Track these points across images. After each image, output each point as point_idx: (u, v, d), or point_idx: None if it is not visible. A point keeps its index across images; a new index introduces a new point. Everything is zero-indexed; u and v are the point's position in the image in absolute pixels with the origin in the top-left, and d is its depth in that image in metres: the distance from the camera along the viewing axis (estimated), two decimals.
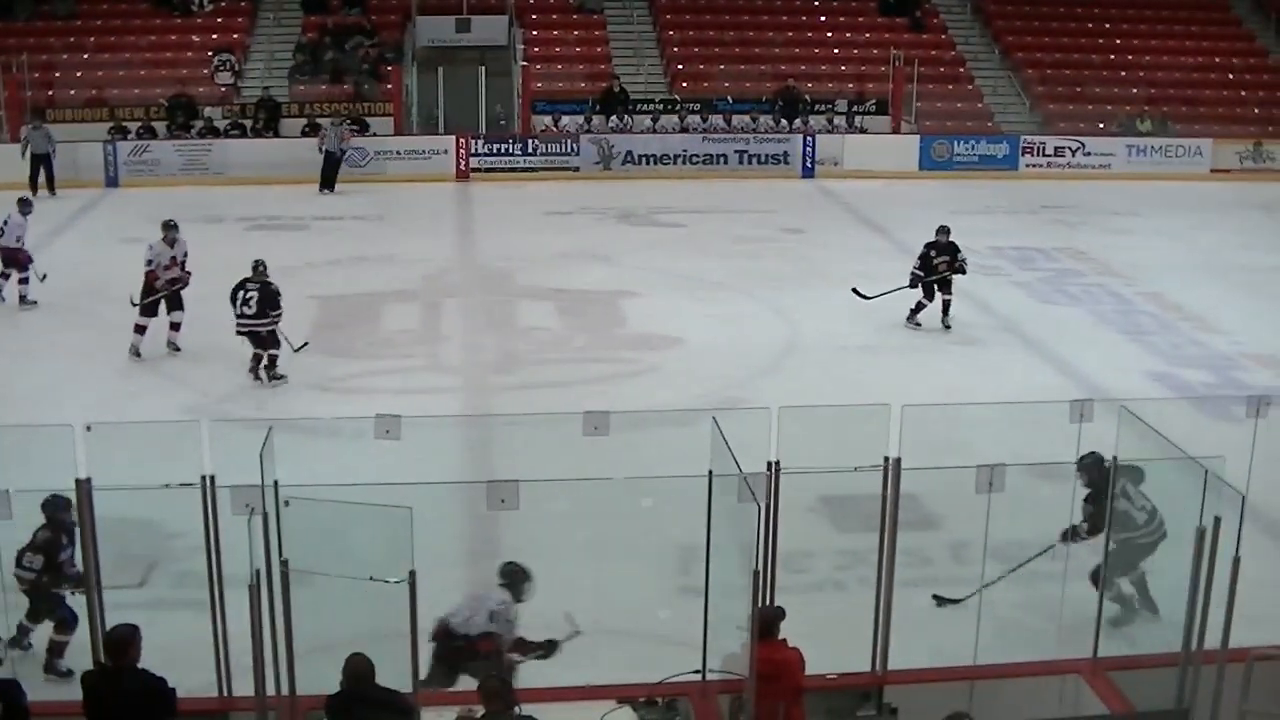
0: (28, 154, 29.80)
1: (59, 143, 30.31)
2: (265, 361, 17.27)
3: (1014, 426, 13.25)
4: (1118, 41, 38.44)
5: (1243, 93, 37.34)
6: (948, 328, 20.36)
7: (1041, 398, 14.53)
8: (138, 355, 18.13)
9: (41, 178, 29.62)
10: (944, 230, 20.67)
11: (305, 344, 18.11)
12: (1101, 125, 35.66)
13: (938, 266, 20.41)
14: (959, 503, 13.01)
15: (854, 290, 21.04)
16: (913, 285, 20.50)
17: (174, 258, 18.54)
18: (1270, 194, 32.48)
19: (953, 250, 20.46)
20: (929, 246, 20.52)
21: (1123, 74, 37.28)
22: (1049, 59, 37.61)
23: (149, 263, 18.37)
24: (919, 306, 20.45)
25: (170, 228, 18.68)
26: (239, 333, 17.26)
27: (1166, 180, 33.45)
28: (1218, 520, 8.54)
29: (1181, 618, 8.95)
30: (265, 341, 17.25)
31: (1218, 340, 19.95)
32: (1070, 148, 34.43)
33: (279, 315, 17.26)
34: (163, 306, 18.38)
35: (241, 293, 17.12)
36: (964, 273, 20.61)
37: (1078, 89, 36.69)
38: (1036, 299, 22.34)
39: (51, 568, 10.42)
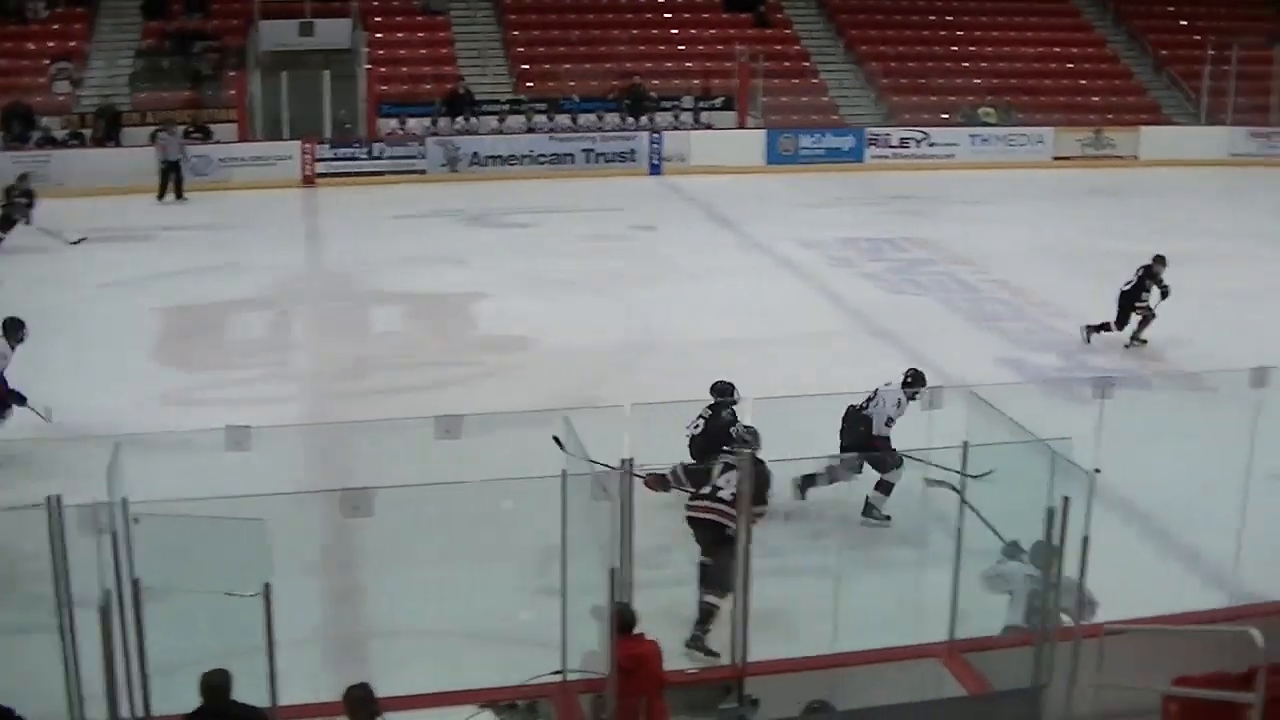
0: None
1: None
2: None
3: None
4: (960, 33, 39.05)
5: (1082, 81, 38.12)
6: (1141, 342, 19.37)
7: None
8: None
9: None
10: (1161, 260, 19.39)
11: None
12: (946, 116, 36.17)
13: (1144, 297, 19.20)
14: (812, 492, 13.16)
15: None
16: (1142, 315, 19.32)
17: None
18: (1111, 179, 33.23)
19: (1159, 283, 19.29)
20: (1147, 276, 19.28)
21: (965, 65, 37.86)
22: (893, 52, 38.06)
23: None
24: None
25: None
26: None
27: (1010, 168, 34.04)
28: (1067, 500, 8.71)
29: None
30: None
31: (1064, 323, 20.29)
32: (915, 139, 34.90)
33: None
34: None
35: None
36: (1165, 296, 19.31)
37: (922, 81, 37.15)
38: (886, 289, 22.59)
39: None
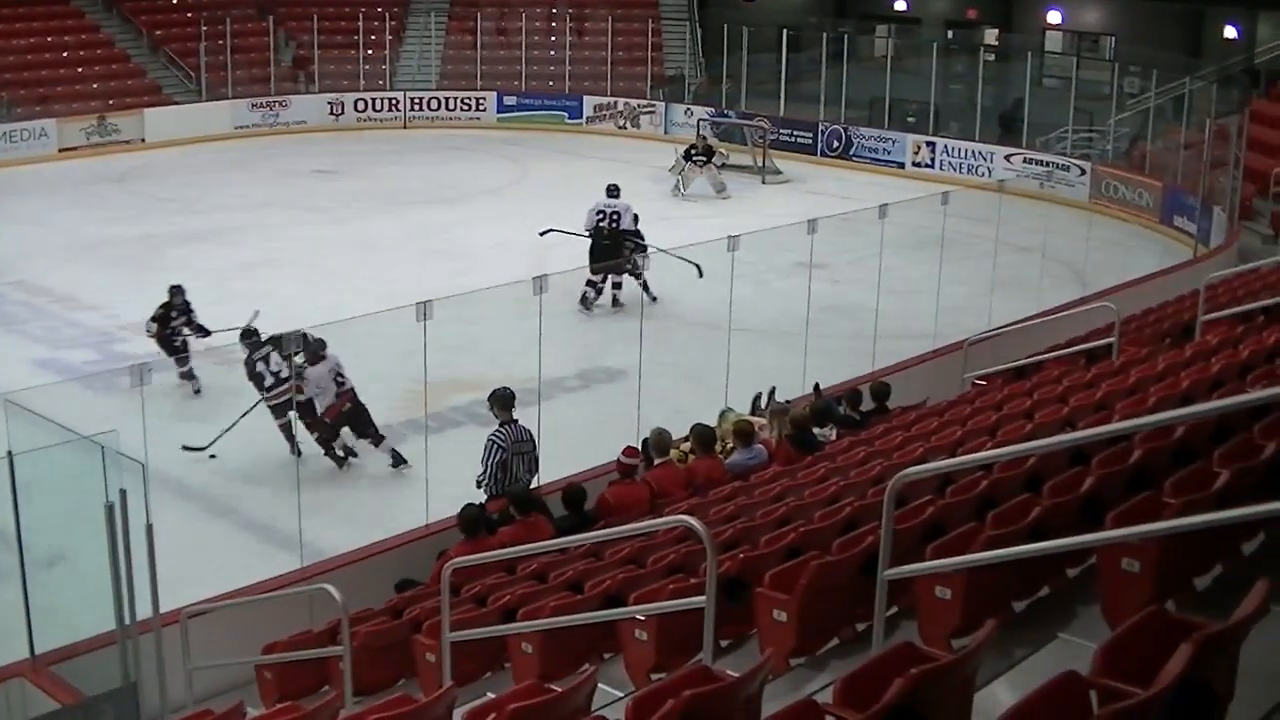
0: None
1: None
2: None
3: None
4: None
5: (80, 70, 37.56)
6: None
7: None
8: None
9: None
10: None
11: None
12: None
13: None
14: None
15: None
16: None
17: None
18: (120, 165, 33.04)
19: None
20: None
21: None
22: None
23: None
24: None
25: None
26: None
27: (15, 166, 32.74)
28: (123, 493, 8.68)
29: (111, 597, 9.02)
30: None
31: (92, 317, 20.11)
32: None
33: None
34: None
35: None
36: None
37: None
38: None
39: None
